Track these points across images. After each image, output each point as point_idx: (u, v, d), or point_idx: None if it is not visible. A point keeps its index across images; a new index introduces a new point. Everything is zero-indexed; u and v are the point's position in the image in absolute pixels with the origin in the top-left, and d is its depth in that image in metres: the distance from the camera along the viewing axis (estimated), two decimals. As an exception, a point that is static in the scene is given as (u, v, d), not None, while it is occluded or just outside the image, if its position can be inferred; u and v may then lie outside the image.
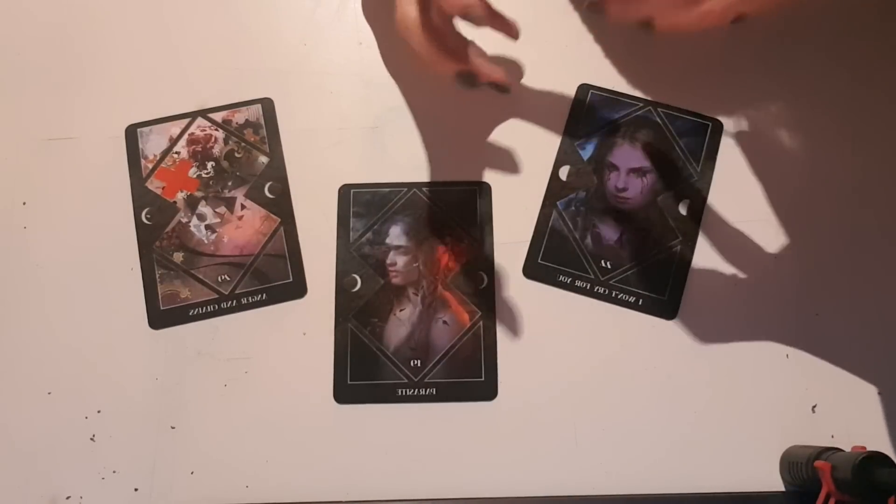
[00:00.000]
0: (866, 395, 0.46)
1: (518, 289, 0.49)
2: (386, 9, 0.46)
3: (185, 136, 0.52)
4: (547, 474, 0.45)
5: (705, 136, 0.51)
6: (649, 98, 0.52)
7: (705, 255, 0.49)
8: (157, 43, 0.54)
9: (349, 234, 0.50)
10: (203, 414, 0.46)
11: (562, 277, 0.49)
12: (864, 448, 0.39)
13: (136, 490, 0.45)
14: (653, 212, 0.50)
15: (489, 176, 0.51)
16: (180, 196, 0.51)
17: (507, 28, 0.47)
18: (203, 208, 0.50)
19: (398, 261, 0.49)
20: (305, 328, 0.48)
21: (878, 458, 0.38)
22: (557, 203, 0.50)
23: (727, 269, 0.49)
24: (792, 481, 0.44)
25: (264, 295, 0.49)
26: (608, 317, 0.48)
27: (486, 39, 0.54)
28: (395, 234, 0.50)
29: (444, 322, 0.48)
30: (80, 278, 0.49)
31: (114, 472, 0.45)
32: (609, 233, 0.49)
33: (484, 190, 0.50)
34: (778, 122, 0.51)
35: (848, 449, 0.41)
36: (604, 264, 0.49)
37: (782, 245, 0.49)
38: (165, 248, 0.49)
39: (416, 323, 0.48)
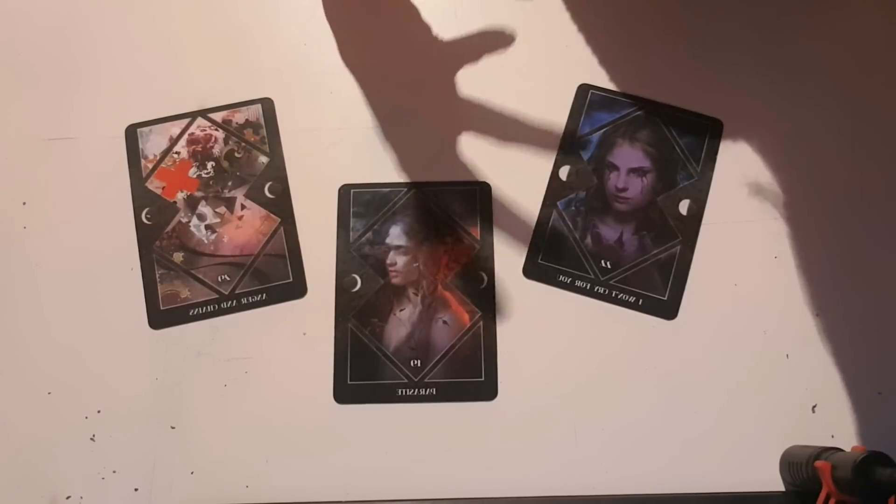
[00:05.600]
0: (866, 395, 0.46)
1: (518, 289, 0.49)
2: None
3: (185, 136, 0.52)
4: (547, 474, 0.45)
5: (705, 136, 0.51)
6: (649, 98, 0.52)
7: (705, 255, 0.49)
8: (157, 43, 0.54)
9: (349, 234, 0.50)
10: (203, 414, 0.46)
11: (562, 277, 0.49)
12: (864, 448, 0.39)
13: (136, 490, 0.45)
14: (653, 212, 0.50)
15: (489, 176, 0.51)
16: (180, 196, 0.51)
17: None
18: (203, 208, 0.50)
19: (398, 261, 0.49)
20: (305, 328, 0.48)
21: (878, 458, 0.38)
22: (557, 203, 0.50)
23: (727, 269, 0.49)
24: (792, 481, 0.44)
25: (264, 295, 0.49)
26: (608, 317, 0.48)
27: (483, 36, 0.54)
28: (395, 234, 0.50)
29: (444, 322, 0.48)
30: (80, 278, 0.49)
31: (114, 472, 0.45)
32: (609, 233, 0.49)
33: (484, 190, 0.50)
34: (778, 122, 0.51)
35: (848, 449, 0.41)
36: (604, 264, 0.49)
37: (782, 245, 0.49)
38: (165, 248, 0.49)
39: (416, 323, 0.48)
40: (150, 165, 0.51)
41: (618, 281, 0.49)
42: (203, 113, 0.52)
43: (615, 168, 0.51)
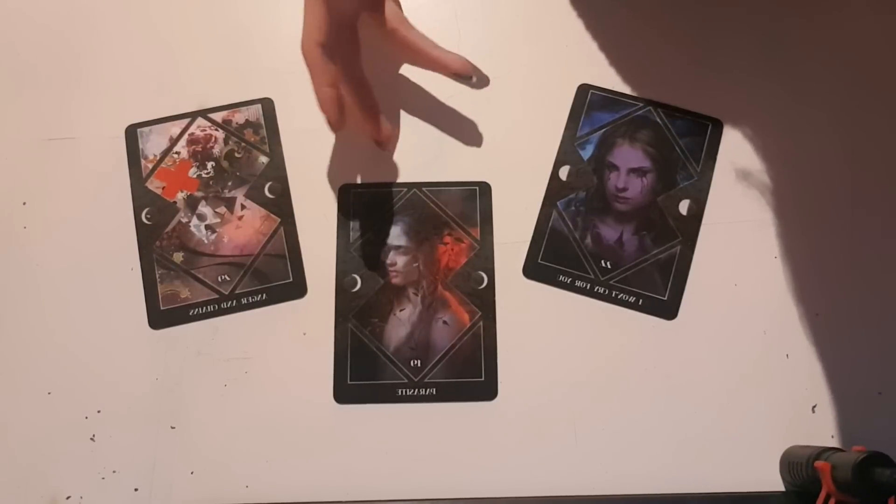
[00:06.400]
0: (866, 395, 0.46)
1: (518, 289, 0.49)
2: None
3: (185, 136, 0.52)
4: (547, 474, 0.45)
5: (705, 136, 0.51)
6: (649, 98, 0.52)
7: (705, 255, 0.49)
8: (157, 43, 0.54)
9: (349, 234, 0.50)
10: (203, 414, 0.46)
11: (562, 277, 0.49)
12: (864, 448, 0.39)
13: (136, 490, 0.45)
14: (653, 212, 0.50)
15: (489, 176, 0.51)
16: (180, 196, 0.51)
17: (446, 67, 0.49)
18: (203, 208, 0.50)
19: (398, 261, 0.49)
20: (305, 328, 0.48)
21: (878, 458, 0.38)
22: (557, 203, 0.50)
23: (727, 269, 0.49)
24: (792, 481, 0.44)
25: (264, 295, 0.49)
26: (608, 317, 0.48)
27: (479, 35, 0.54)
28: (395, 234, 0.50)
29: (444, 322, 0.48)
30: (80, 278, 0.49)
31: (114, 472, 0.45)
32: (609, 233, 0.49)
33: (484, 190, 0.50)
34: (778, 122, 0.51)
35: (848, 449, 0.41)
36: (604, 264, 0.49)
37: (782, 245, 0.49)
38: (165, 248, 0.49)
39: (416, 323, 0.48)
40: (150, 165, 0.51)
41: (618, 281, 0.49)
42: (203, 113, 0.52)
43: (615, 168, 0.51)
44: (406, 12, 0.54)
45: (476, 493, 0.45)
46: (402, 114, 0.52)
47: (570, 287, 0.49)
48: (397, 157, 0.51)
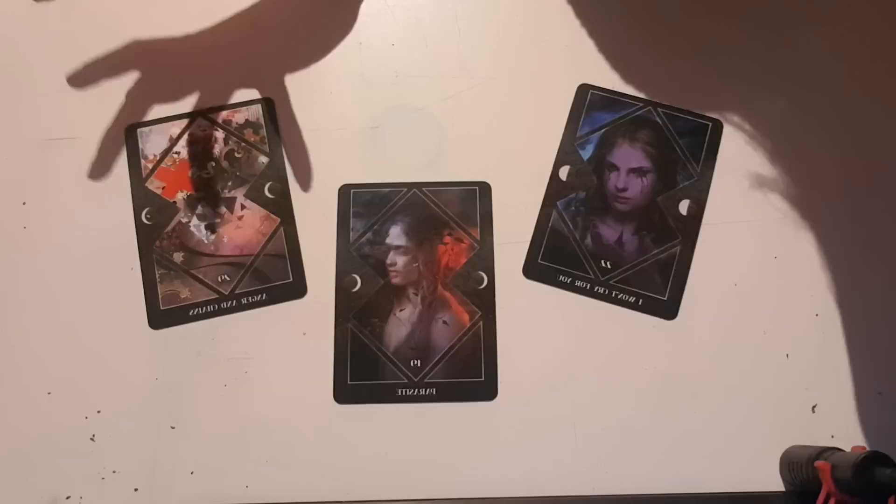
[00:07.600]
0: (866, 395, 0.46)
1: (518, 289, 0.49)
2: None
3: (185, 136, 0.52)
4: (547, 474, 0.45)
5: (705, 136, 0.51)
6: (649, 98, 0.52)
7: (705, 255, 0.49)
8: (157, 42, 0.54)
9: (349, 234, 0.50)
10: (203, 414, 0.46)
11: (562, 277, 0.49)
12: (864, 448, 0.39)
13: (136, 490, 0.45)
14: (653, 212, 0.50)
15: (489, 176, 0.51)
16: (180, 196, 0.51)
17: None
18: (203, 208, 0.50)
19: (398, 261, 0.49)
20: (305, 328, 0.48)
21: (878, 458, 0.38)
22: (557, 203, 0.50)
23: (727, 269, 0.49)
24: (792, 481, 0.44)
25: (264, 295, 0.49)
26: (608, 317, 0.48)
27: (479, 35, 0.54)
28: (395, 234, 0.50)
29: (444, 322, 0.48)
30: (80, 278, 0.49)
31: (114, 472, 0.45)
32: (609, 233, 0.49)
33: (484, 190, 0.50)
34: (778, 121, 0.51)
35: (848, 449, 0.41)
36: (604, 264, 0.49)
37: (782, 245, 0.49)
38: (165, 248, 0.49)
39: (416, 323, 0.48)
40: (150, 165, 0.51)
41: (618, 281, 0.49)
42: (203, 113, 0.52)
43: (615, 168, 0.51)
44: (406, 12, 0.55)
45: (476, 493, 0.45)
46: (402, 114, 0.52)
47: (570, 287, 0.49)
48: (397, 157, 0.51)
